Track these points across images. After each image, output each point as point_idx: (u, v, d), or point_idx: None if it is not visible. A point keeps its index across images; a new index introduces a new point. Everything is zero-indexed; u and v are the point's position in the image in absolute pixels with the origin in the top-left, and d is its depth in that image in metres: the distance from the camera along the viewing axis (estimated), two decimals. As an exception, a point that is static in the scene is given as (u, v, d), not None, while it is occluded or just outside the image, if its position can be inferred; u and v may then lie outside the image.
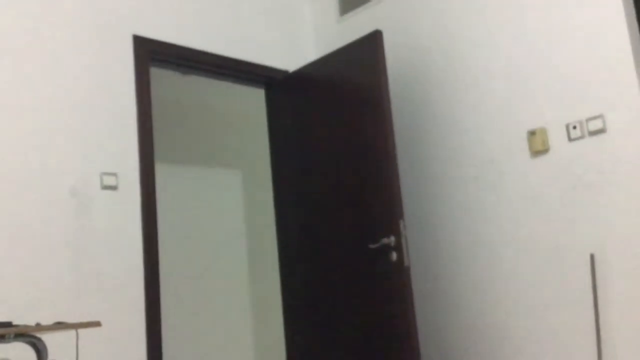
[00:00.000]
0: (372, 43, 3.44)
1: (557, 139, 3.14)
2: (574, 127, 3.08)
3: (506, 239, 3.30)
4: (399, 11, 3.91)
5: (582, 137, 3.05)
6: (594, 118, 3.01)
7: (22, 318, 2.63)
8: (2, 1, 2.97)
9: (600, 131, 2.99)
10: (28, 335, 2.06)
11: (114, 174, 3.18)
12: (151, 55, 3.49)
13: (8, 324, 2.04)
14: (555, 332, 3.08)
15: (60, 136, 3.03)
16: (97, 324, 2.17)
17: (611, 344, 2.88)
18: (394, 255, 3.21)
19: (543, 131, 3.18)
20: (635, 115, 2.88)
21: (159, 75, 3.88)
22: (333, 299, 3.55)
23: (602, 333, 2.91)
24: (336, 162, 3.62)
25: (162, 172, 4.35)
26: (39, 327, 2.06)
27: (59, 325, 2.10)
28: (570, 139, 3.10)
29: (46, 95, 3.03)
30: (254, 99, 4.56)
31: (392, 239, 3.22)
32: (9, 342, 2.01)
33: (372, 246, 3.30)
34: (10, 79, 2.93)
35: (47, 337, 2.14)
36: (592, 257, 2.97)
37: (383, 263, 3.25)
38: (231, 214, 5.46)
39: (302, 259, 3.79)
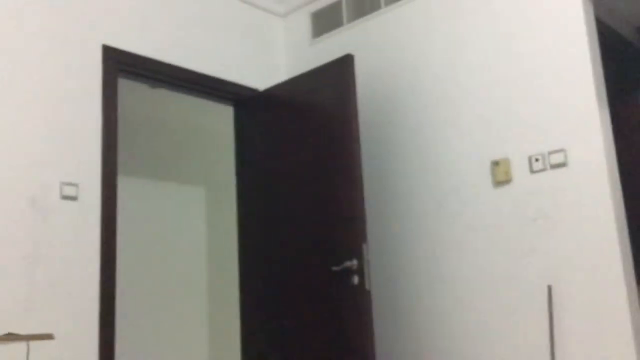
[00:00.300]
0: (344, 66, 3.47)
1: (519, 170, 3.21)
2: (537, 160, 3.14)
3: (466, 267, 3.33)
4: (370, 39, 3.96)
5: (544, 169, 3.12)
6: (556, 152, 3.08)
7: (-30, 328, 2.54)
8: (-30, 2, 2.92)
9: (562, 165, 3.06)
10: (-24, 346, 1.98)
11: (75, 185, 3.11)
12: (120, 66, 3.45)
13: (-45, 334, 1.97)
14: (511, 361, 3.10)
15: (21, 143, 2.96)
16: (49, 336, 2.11)
17: (565, 374, 2.92)
18: (356, 279, 3.21)
19: (506, 162, 3.24)
20: (596, 151, 2.96)
21: (127, 87, 3.84)
22: (293, 320, 3.52)
23: (557, 363, 2.95)
24: (302, 183, 3.62)
25: (124, 185, 4.28)
26: (-12, 337, 1.99)
27: (10, 337, 2.03)
28: (532, 171, 3.16)
29: (9, 100, 2.96)
30: (221, 115, 4.54)
31: (355, 262, 3.22)
32: (-45, 352, 1.94)
33: (334, 268, 3.29)
34: (-27, 82, 2.86)
35: (-5, 349, 2.07)
36: (549, 288, 3.02)
37: (345, 286, 3.24)
38: (193, 231, 5.40)
39: (263, 278, 3.76)
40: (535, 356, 3.02)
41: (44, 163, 3.02)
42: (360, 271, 3.20)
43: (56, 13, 3.22)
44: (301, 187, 3.62)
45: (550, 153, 3.10)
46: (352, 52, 3.76)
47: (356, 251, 3.23)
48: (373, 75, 3.90)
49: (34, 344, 2.56)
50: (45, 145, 3.04)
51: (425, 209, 3.54)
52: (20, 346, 2.49)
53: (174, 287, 5.14)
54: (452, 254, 3.40)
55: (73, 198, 3.09)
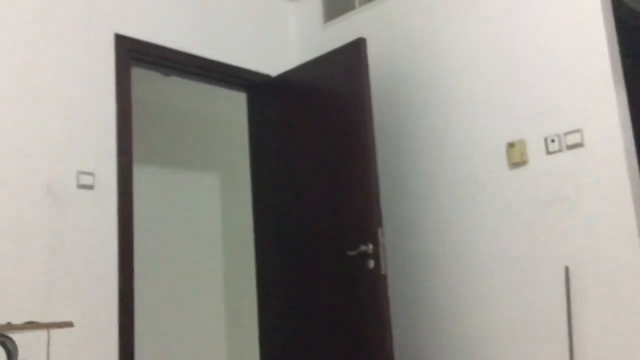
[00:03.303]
0: (356, 50, 3.46)
1: (535, 151, 3.18)
2: (553, 141, 3.11)
3: (483, 249, 3.32)
4: (382, 22, 3.93)
5: (560, 150, 3.09)
6: (573, 132, 3.05)
7: (-8, 317, 2.58)
8: (-18, -6, 2.93)
9: (578, 145, 3.03)
10: (-2, 335, 2.02)
11: (91, 174, 3.14)
12: (133, 54, 3.46)
13: (-22, 323, 2.00)
14: (530, 343, 3.10)
15: (38, 133, 2.99)
16: (69, 324, 2.14)
17: (583, 354, 2.91)
18: (372, 263, 3.21)
19: (522, 143, 3.22)
20: (612, 131, 2.93)
21: (140, 76, 3.85)
22: (309, 305, 3.54)
23: (574, 344, 2.94)
24: (316, 167, 3.62)
25: (140, 173, 4.31)
26: (9, 326, 2.02)
27: (31, 325, 2.07)
28: (548, 152, 3.13)
29: (24, 91, 2.98)
30: (235, 102, 4.54)
31: (370, 246, 3.23)
32: (-22, 340, 1.97)
33: (350, 253, 3.30)
34: (-12, 74, 2.89)
35: (18, 337, 2.10)
36: (566, 269, 3.00)
37: (361, 270, 3.25)
38: (209, 217, 5.43)
39: (279, 263, 3.77)
40: (553, 336, 3.01)
41: (59, 152, 3.04)
42: (376, 255, 3.21)
43: (68, 2, 3.22)
44: (316, 172, 3.62)
45: (566, 134, 3.07)
46: (365, 36, 3.74)
47: (372, 235, 3.24)
48: (386, 58, 3.87)
49: (54, 332, 2.59)
50: (60, 134, 3.06)
51: (440, 191, 3.53)
52: (41, 334, 2.52)
53: (191, 273, 5.18)
54: (469, 237, 3.39)
55: (89, 187, 3.12)
